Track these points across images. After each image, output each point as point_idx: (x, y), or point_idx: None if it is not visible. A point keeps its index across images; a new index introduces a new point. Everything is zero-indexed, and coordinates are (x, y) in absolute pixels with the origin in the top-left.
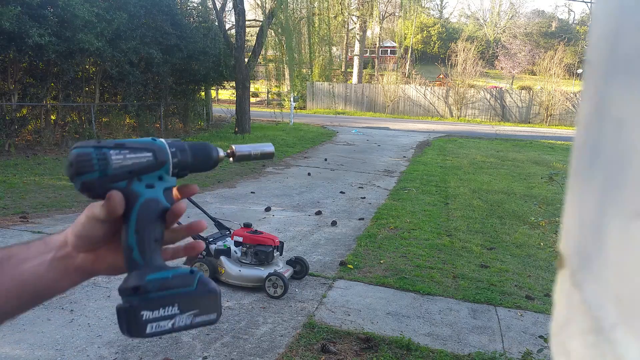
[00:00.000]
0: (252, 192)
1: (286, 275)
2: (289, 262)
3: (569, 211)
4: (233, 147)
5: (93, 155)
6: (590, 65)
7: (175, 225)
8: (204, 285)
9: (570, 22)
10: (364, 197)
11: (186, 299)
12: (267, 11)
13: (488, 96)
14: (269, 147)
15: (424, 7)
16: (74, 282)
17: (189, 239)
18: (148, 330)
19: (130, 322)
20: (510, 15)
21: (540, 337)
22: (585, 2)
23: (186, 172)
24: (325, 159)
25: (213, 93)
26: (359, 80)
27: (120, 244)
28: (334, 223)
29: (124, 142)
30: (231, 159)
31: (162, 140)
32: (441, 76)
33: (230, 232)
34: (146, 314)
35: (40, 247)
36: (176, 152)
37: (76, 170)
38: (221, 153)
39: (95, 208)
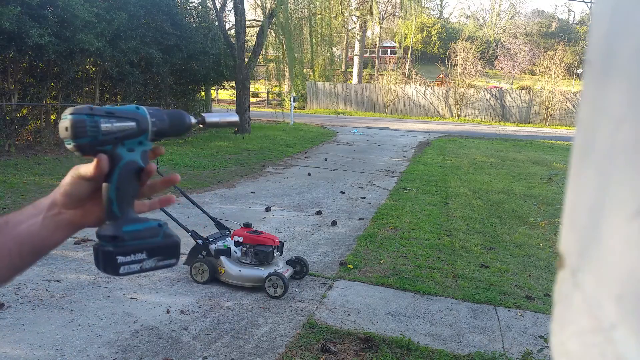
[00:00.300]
0: (252, 192)
1: (286, 275)
2: (289, 262)
3: (569, 211)
4: (203, 115)
5: (87, 122)
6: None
7: (151, 181)
8: (168, 236)
9: (570, 22)
10: (364, 197)
11: (153, 247)
12: (267, 11)
13: (488, 96)
14: (234, 117)
15: (424, 7)
16: (66, 235)
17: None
18: (121, 271)
19: (106, 263)
20: (510, 15)
21: (540, 337)
22: (585, 2)
23: (163, 137)
24: (325, 159)
25: (213, 93)
26: (359, 80)
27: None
28: (334, 223)
29: (114, 110)
30: (201, 125)
31: (145, 109)
32: (441, 76)
33: (230, 232)
34: (120, 259)
35: (31, 210)
36: (156, 121)
37: (71, 134)
38: (193, 120)
39: (81, 169)
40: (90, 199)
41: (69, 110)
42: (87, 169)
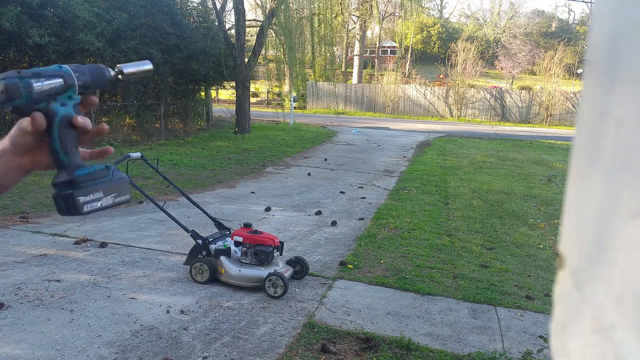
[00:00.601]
0: (252, 192)
1: (286, 275)
2: (289, 262)
3: (569, 211)
4: (120, 66)
5: (20, 84)
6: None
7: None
8: (118, 175)
9: (570, 22)
10: (364, 197)
11: (107, 186)
12: (267, 11)
13: (488, 96)
14: (148, 65)
15: (424, 7)
16: (18, 177)
17: None
18: (85, 209)
19: (69, 205)
20: (510, 15)
21: (540, 337)
22: (585, 2)
23: (88, 90)
24: (325, 159)
25: (213, 93)
26: (359, 80)
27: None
28: (334, 223)
29: (40, 71)
30: (120, 76)
31: (67, 66)
32: (441, 76)
33: (230, 232)
34: (82, 199)
35: None
36: (79, 75)
37: (7, 97)
38: (112, 72)
39: (24, 122)
40: (37, 148)
41: None
42: (27, 123)
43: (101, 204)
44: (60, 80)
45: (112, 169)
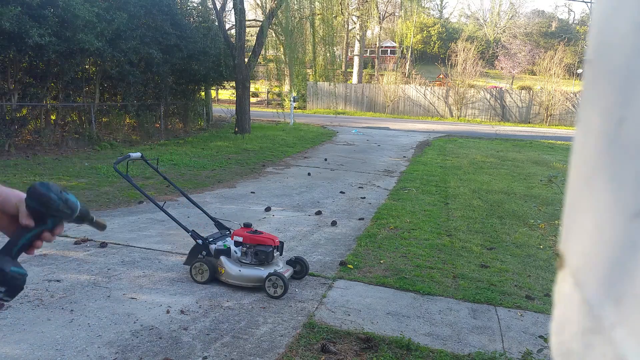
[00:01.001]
0: (252, 192)
1: (286, 275)
2: (289, 262)
3: (569, 211)
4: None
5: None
6: (590, 65)
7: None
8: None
9: (570, 22)
10: (364, 197)
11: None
12: (267, 11)
13: (488, 96)
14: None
15: (424, 7)
16: None
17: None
18: None
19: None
20: (510, 15)
21: (540, 337)
22: (585, 2)
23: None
24: (325, 159)
25: (213, 93)
26: (359, 80)
27: (5, 223)
28: (334, 223)
29: (67, 198)
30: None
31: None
32: (441, 76)
33: (230, 232)
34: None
35: None
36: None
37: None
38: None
39: (11, 209)
40: (3, 217)
41: (46, 184)
42: (19, 213)
43: None
44: (70, 212)
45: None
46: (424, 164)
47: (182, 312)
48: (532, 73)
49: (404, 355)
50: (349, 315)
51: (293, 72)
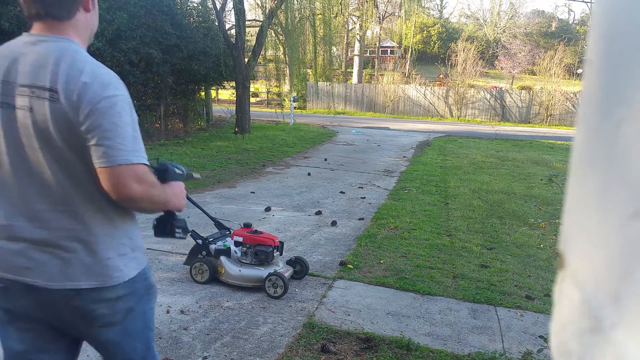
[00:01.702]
0: (252, 192)
1: (286, 275)
2: (289, 262)
3: (569, 211)
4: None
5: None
6: (590, 65)
7: None
8: None
9: (570, 22)
10: (364, 197)
11: None
12: (267, 11)
13: (488, 96)
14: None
15: (424, 7)
16: None
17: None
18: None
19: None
20: (510, 15)
21: (540, 337)
22: (585, 2)
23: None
24: (325, 159)
25: (213, 93)
26: (359, 80)
27: None
28: (334, 223)
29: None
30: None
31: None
32: (441, 76)
33: (230, 232)
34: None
35: None
36: None
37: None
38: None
39: None
40: None
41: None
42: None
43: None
44: None
45: None
46: (424, 164)
47: (182, 312)
48: (532, 73)
49: (404, 355)
50: (349, 315)
51: (293, 72)
